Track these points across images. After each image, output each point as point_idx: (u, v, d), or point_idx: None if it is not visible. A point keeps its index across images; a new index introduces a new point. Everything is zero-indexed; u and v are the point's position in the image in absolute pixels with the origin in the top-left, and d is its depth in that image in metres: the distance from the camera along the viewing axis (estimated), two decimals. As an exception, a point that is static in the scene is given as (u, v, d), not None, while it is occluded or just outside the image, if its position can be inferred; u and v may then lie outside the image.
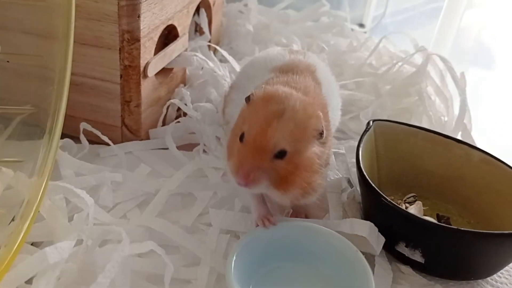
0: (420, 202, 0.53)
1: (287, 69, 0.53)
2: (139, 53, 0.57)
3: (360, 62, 0.83)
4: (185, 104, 0.65)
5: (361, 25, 1.07)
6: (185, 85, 0.72)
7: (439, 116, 0.70)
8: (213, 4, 0.80)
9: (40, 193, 0.44)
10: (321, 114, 0.45)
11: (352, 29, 0.97)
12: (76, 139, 0.59)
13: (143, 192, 0.53)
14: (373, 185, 0.48)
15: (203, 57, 0.69)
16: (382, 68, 0.81)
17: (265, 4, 1.00)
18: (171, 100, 0.65)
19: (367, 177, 0.49)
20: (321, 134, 0.44)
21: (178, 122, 0.65)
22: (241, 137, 0.44)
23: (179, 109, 0.67)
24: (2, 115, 0.51)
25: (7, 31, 0.52)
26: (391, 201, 0.47)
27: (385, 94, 0.74)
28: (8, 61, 0.52)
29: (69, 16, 0.50)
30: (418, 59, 0.80)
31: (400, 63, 0.79)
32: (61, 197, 0.48)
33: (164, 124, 0.66)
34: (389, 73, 0.78)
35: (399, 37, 0.90)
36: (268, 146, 0.42)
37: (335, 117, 0.57)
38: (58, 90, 0.50)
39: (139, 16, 0.55)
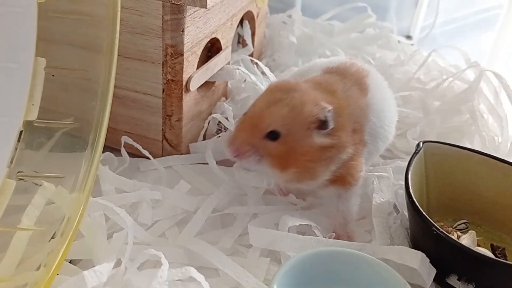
0: (473, 231, 0.50)
1: (335, 71, 0.55)
2: (182, 67, 0.56)
3: (407, 76, 0.80)
4: (227, 119, 0.63)
5: (408, 37, 1.03)
6: (226, 99, 0.71)
7: (492, 136, 0.66)
8: (257, 16, 0.78)
9: (80, 211, 0.43)
10: (326, 106, 0.47)
11: (398, 41, 0.94)
12: (117, 151, 0.59)
13: (182, 210, 0.52)
14: (423, 213, 0.45)
15: (246, 71, 0.68)
16: (431, 83, 0.78)
17: (309, 14, 0.98)
18: (213, 115, 0.64)
19: (417, 204, 0.46)
20: (322, 124, 0.46)
21: (219, 137, 0.63)
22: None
23: (220, 122, 0.66)
24: (45, 128, 0.51)
25: (53, 43, 0.53)
26: (443, 231, 0.44)
27: (434, 111, 0.71)
28: (53, 75, 0.52)
29: (113, 29, 0.50)
30: (470, 74, 0.77)
31: (450, 79, 0.75)
32: (100, 213, 0.47)
33: (205, 138, 0.65)
34: (439, 89, 0.75)
35: (449, 49, 0.86)
36: (260, 125, 0.46)
37: (387, 129, 0.56)
38: (101, 103, 0.50)
39: (183, 31, 0.54)
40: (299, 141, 0.46)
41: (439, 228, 0.44)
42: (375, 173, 0.56)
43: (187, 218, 0.52)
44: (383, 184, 0.56)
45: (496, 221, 0.53)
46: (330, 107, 0.47)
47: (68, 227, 0.42)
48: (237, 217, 0.53)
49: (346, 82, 0.53)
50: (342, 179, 0.50)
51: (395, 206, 0.54)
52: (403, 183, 0.50)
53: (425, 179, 0.54)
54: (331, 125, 0.47)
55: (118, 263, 0.43)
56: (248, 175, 0.58)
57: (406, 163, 0.52)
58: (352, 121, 0.50)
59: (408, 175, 0.49)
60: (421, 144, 0.54)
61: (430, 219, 0.45)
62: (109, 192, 0.52)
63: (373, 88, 0.55)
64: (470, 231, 0.50)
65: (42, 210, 0.46)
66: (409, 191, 0.48)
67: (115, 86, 0.52)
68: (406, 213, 0.52)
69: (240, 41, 0.82)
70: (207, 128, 0.65)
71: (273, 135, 0.46)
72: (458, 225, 0.53)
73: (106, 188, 0.52)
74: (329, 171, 0.49)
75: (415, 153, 0.52)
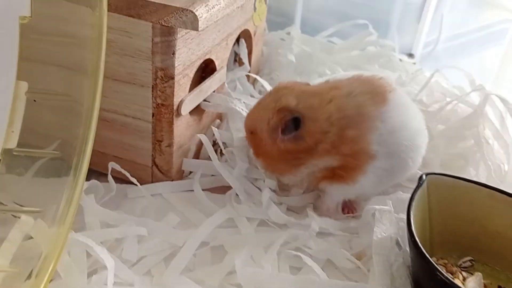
0: (480, 274, 0.47)
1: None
2: (173, 91, 0.53)
3: (409, 97, 0.77)
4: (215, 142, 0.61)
5: (410, 55, 1.00)
6: (221, 121, 0.68)
7: (498, 164, 0.63)
8: (254, 34, 0.76)
9: (59, 250, 0.41)
10: (287, 114, 0.52)
11: (400, 60, 0.91)
12: (105, 176, 0.56)
13: (170, 245, 0.49)
14: (427, 255, 0.42)
15: (239, 98, 0.65)
16: (434, 105, 0.75)
17: (309, 31, 0.95)
18: (199, 135, 0.61)
19: (420, 246, 0.43)
20: (283, 130, 0.52)
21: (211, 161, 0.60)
22: None
23: (214, 144, 0.63)
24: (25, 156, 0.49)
25: (36, 65, 0.50)
26: (448, 276, 0.41)
27: (437, 136, 0.68)
28: (35, 100, 0.49)
29: (99, 51, 0.47)
30: (475, 97, 0.74)
31: (454, 102, 0.72)
32: (82, 250, 0.44)
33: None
34: (442, 112, 0.72)
35: (452, 69, 0.83)
36: (245, 125, 0.59)
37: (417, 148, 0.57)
38: (85, 128, 0.47)
39: (174, 53, 0.52)
40: (265, 140, 0.54)
41: (444, 273, 0.41)
42: (375, 206, 0.53)
43: (175, 252, 0.49)
44: (385, 218, 0.52)
45: (503, 259, 0.50)
46: (290, 116, 0.51)
47: (45, 267, 0.39)
48: (228, 251, 0.50)
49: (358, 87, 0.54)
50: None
51: (397, 242, 0.50)
52: (405, 217, 0.47)
53: (428, 213, 0.51)
54: (291, 132, 0.52)
55: (97, 308, 0.40)
56: (240, 204, 0.55)
57: (409, 194, 0.49)
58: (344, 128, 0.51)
59: (410, 211, 0.46)
60: (424, 176, 0.51)
61: (434, 263, 0.42)
62: (93, 225, 0.49)
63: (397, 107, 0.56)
64: (476, 274, 0.47)
65: (19, 246, 0.44)
66: (411, 230, 0.44)
67: (103, 110, 0.49)
68: (408, 249, 0.49)
69: (236, 59, 0.79)
70: (200, 151, 0.62)
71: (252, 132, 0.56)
72: (463, 262, 0.50)
73: (90, 220, 0.49)
74: (301, 172, 0.54)
75: (417, 186, 0.49)
